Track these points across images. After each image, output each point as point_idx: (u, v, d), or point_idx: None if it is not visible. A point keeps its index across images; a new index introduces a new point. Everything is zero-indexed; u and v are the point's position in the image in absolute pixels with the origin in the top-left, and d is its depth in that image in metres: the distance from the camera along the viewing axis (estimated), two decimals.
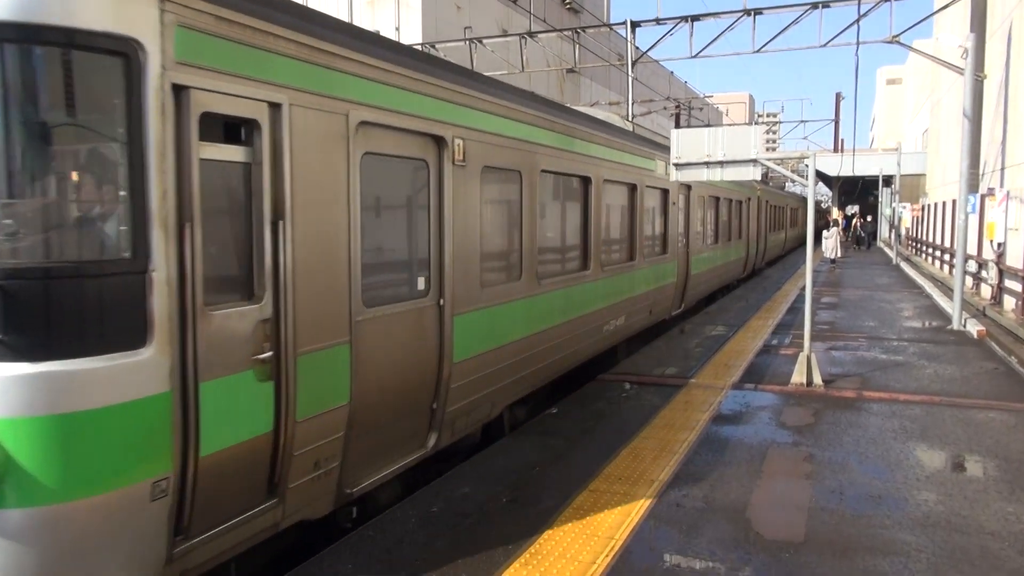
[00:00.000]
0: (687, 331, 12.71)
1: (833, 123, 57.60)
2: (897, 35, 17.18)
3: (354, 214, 4.61)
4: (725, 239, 18.06)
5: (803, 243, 41.93)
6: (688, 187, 13.53)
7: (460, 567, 4.41)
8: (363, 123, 4.68)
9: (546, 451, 6.45)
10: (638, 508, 5.24)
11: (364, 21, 23.61)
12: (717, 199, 16.86)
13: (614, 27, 24.56)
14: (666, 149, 11.79)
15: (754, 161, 8.79)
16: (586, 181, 8.67)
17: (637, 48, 22.81)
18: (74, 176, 3.35)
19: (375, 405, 4.89)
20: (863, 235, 43.98)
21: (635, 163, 10.35)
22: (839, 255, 28.62)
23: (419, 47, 20.65)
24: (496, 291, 6.44)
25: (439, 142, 5.55)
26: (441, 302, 5.57)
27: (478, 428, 6.52)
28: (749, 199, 21.48)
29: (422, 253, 5.48)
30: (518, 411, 7.69)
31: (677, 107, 35.44)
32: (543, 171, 7.38)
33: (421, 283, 5.43)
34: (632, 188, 10.36)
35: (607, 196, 9.33)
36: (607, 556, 4.52)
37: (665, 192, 12.09)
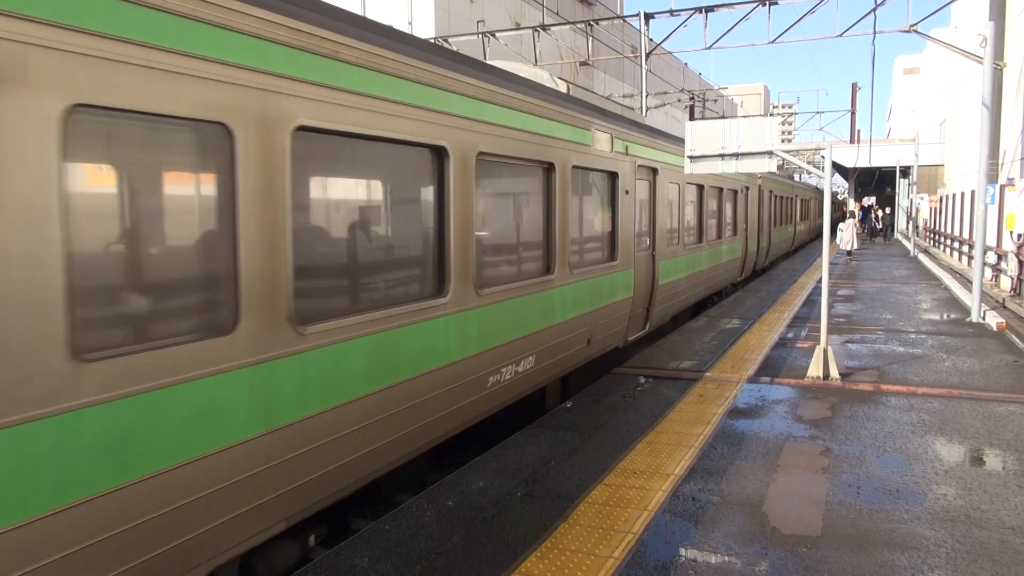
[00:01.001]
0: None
1: (850, 114, 57.05)
2: (915, 24, 16.99)
3: None
4: (714, 236, 14.99)
5: (815, 238, 41.43)
6: (654, 171, 10.62)
7: (476, 561, 4.42)
8: None
9: (561, 445, 6.45)
10: (654, 502, 5.23)
11: (376, 14, 23.61)
12: (701, 188, 13.65)
13: (627, 19, 24.42)
14: (616, 118, 9.24)
15: (769, 153, 8.73)
16: (439, 155, 5.47)
17: (651, 40, 22.68)
18: None
19: None
20: (878, 227, 43.54)
21: (551, 132, 7.21)
22: (855, 247, 28.40)
23: (432, 41, 20.63)
24: (145, 364, 3.23)
25: None
26: None
27: None
28: (747, 188, 18.53)
29: None
30: (283, 550, 4.55)
31: (691, 99, 35.25)
32: (304, 129, 4.10)
33: None
34: (547, 169, 7.28)
35: (489, 180, 6.27)
36: (623, 550, 4.52)
37: (612, 176, 9.02)
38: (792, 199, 30.34)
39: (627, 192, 9.38)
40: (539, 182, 7.26)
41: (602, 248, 8.94)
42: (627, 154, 9.39)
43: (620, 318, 9.38)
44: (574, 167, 7.82)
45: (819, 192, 42.62)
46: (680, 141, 11.76)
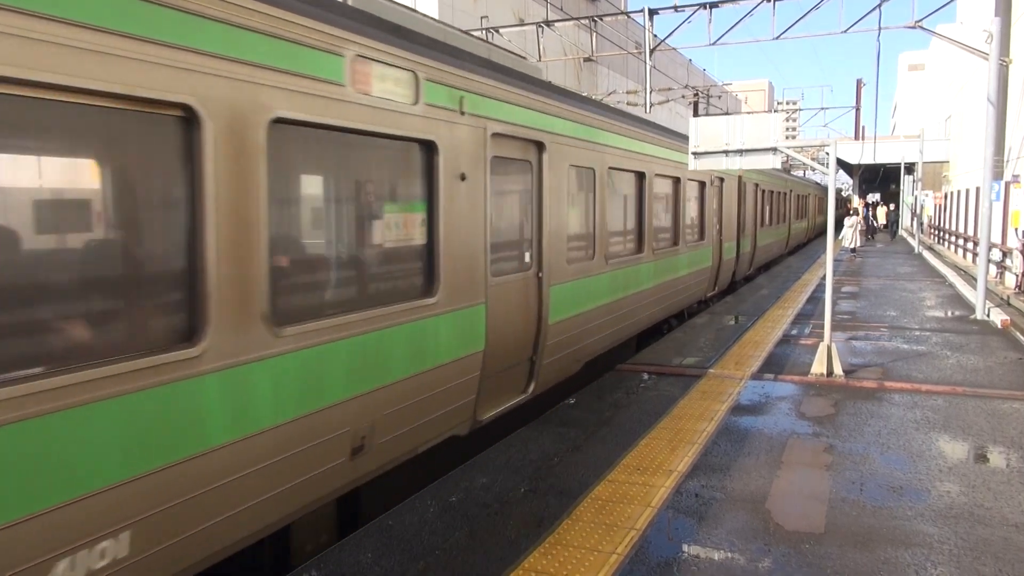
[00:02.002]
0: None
1: (854, 110, 56.97)
2: (920, 20, 16.92)
3: None
4: (665, 243, 11.21)
5: (814, 238, 41.01)
6: (538, 146, 6.94)
7: (479, 556, 4.43)
8: None
9: (564, 442, 6.46)
10: (657, 498, 5.23)
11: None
12: (640, 177, 10.03)
13: (631, 15, 24.38)
14: (434, 46, 5.47)
15: (774, 149, 8.71)
16: None
17: (655, 36, 22.62)
18: None
19: None
20: (876, 225, 43.24)
21: (182, 38, 3.42)
22: (859, 244, 28.38)
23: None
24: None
25: None
26: None
27: None
28: (720, 180, 14.85)
29: None
30: None
31: (695, 95, 35.18)
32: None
33: None
34: (183, 122, 3.52)
35: None
36: (626, 546, 4.52)
37: (425, 149, 5.36)
38: (785, 195, 26.49)
39: (463, 178, 5.69)
40: (148, 147, 3.41)
41: (398, 276, 5.17)
42: (463, 112, 5.66)
43: (456, 390, 5.69)
44: (278, 122, 3.97)
45: (819, 187, 42.34)
46: (591, 104, 8.60)
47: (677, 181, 11.73)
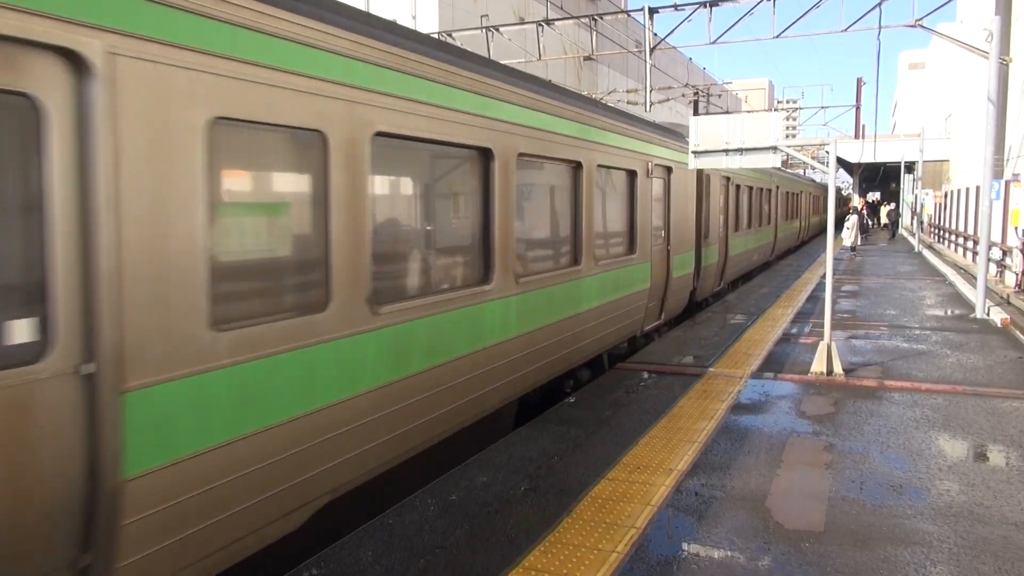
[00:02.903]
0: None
1: (854, 109, 56.94)
2: (920, 19, 16.90)
3: None
4: (547, 264, 7.46)
5: (806, 242, 40.52)
6: (71, 58, 2.86)
7: (480, 555, 4.44)
8: None
9: (564, 441, 6.46)
10: (657, 497, 5.24)
11: (379, 9, 23.60)
12: (485, 157, 6.04)
13: (632, 13, 24.36)
14: None
15: (774, 148, 8.71)
16: None
17: (655, 35, 22.61)
18: None
19: None
20: (868, 223, 43.12)
21: None
22: (859, 243, 28.39)
23: (436, 36, 20.60)
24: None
25: None
26: None
27: None
28: (668, 171, 11.13)
29: None
30: None
31: (695, 94, 35.15)
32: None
33: None
34: None
35: None
36: (626, 545, 4.53)
37: None
38: (770, 191, 22.39)
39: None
40: None
41: None
42: None
43: None
44: None
45: (813, 184, 42.09)
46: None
47: (577, 168, 7.87)
